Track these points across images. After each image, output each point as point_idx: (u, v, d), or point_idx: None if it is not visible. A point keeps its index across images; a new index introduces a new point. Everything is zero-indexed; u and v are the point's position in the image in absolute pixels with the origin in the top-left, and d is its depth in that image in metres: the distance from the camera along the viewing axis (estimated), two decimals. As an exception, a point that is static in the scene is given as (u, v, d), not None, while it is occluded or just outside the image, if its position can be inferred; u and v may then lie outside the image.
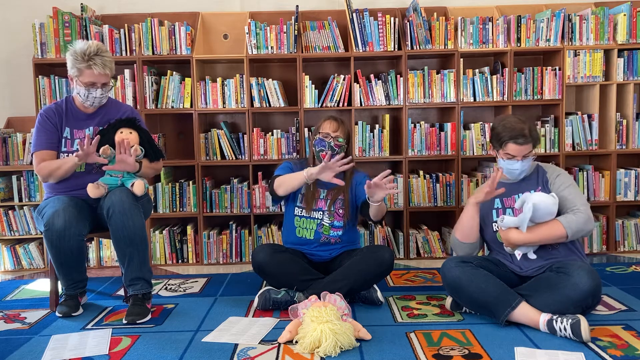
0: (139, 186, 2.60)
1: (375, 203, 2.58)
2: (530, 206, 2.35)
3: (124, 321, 2.49)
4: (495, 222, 2.55)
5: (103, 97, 2.67)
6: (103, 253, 3.64)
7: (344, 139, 2.79)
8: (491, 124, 2.61)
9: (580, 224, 2.38)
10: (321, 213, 2.78)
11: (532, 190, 2.53)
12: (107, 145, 2.59)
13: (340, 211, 2.78)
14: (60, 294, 2.73)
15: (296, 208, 2.81)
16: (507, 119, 2.54)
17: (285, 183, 2.68)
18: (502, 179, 2.62)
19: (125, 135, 2.63)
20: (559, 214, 2.44)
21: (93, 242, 3.58)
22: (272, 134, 3.61)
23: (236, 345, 2.21)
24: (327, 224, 2.77)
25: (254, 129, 3.60)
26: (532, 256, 2.47)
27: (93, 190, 2.57)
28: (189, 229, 3.65)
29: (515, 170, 2.52)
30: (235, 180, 3.64)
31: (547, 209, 2.38)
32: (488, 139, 2.81)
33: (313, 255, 2.80)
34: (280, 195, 2.72)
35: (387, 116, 3.64)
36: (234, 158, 3.62)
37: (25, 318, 2.63)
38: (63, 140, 2.68)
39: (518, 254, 2.49)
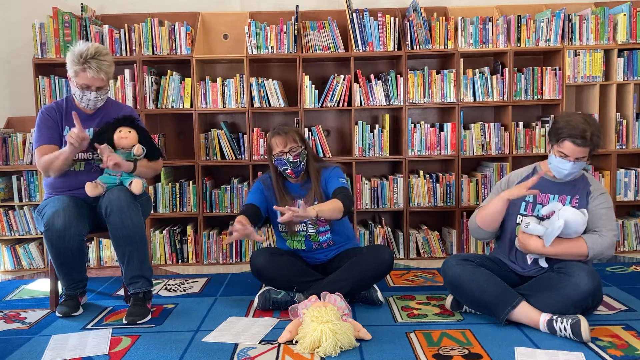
0: (136, 185, 2.60)
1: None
2: (561, 224, 2.27)
3: (124, 321, 2.49)
4: (522, 214, 2.49)
5: (98, 100, 2.65)
6: (103, 253, 3.64)
7: (297, 145, 2.67)
8: (556, 117, 2.49)
9: (604, 248, 2.34)
10: (304, 225, 2.73)
11: (569, 197, 2.46)
12: (105, 144, 2.59)
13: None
14: (60, 294, 2.73)
15: (280, 225, 2.74)
16: (574, 116, 2.40)
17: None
18: (546, 173, 2.54)
19: (124, 134, 2.63)
20: (584, 230, 2.38)
21: (93, 242, 3.59)
22: (272, 134, 3.61)
23: (236, 345, 2.21)
24: (314, 233, 2.73)
25: (254, 129, 3.60)
26: (544, 264, 2.43)
27: (91, 189, 2.57)
28: (189, 229, 3.65)
29: (564, 170, 2.41)
30: (235, 180, 3.64)
31: (576, 227, 2.32)
32: (547, 132, 2.68)
33: (310, 258, 2.79)
34: None
35: (387, 116, 3.64)
36: (234, 158, 3.62)
37: (25, 318, 2.63)
38: (63, 139, 2.68)
39: (530, 257, 2.47)
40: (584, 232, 2.38)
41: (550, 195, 2.48)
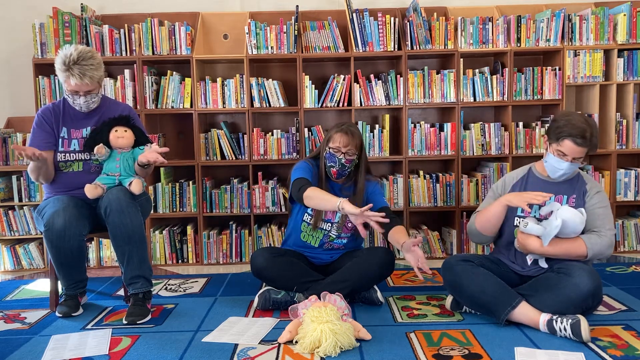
0: (136, 185, 2.60)
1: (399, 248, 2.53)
2: (559, 223, 2.28)
3: (124, 321, 2.49)
4: (519, 216, 2.49)
5: (89, 103, 2.64)
6: (103, 253, 3.64)
7: (355, 152, 2.69)
8: (556, 116, 2.47)
9: (603, 248, 2.35)
10: (329, 225, 2.74)
11: (566, 197, 2.47)
12: (101, 145, 2.59)
13: (350, 224, 2.71)
14: (60, 294, 2.73)
15: (306, 214, 2.75)
16: (574, 115, 2.41)
17: (316, 201, 2.51)
18: (540, 175, 2.56)
19: (120, 134, 2.62)
20: (582, 230, 2.39)
21: (93, 242, 3.59)
22: (272, 134, 3.61)
23: (236, 345, 2.21)
24: (334, 235, 2.75)
25: (254, 129, 3.60)
26: (544, 265, 2.44)
27: (91, 190, 2.57)
28: (189, 229, 3.65)
29: (560, 170, 2.42)
30: (235, 180, 3.63)
31: (574, 227, 2.32)
32: (545, 131, 2.69)
33: (314, 258, 2.79)
34: (306, 206, 2.62)
35: (387, 116, 3.64)
36: (234, 158, 3.62)
37: (25, 318, 2.63)
38: (60, 140, 2.68)
39: (529, 258, 2.47)
40: (583, 232, 2.38)
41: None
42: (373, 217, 2.34)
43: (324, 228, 2.74)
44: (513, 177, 2.63)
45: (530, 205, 2.45)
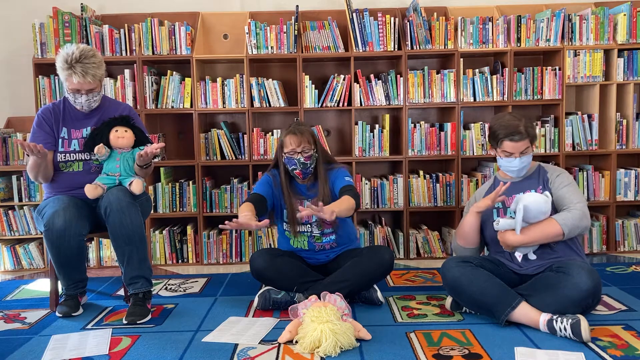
0: (136, 185, 2.60)
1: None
2: (520, 207, 2.35)
3: (124, 321, 2.49)
4: (494, 220, 2.54)
5: (90, 102, 2.64)
6: (103, 253, 3.64)
7: (310, 147, 2.66)
8: (489, 123, 2.61)
9: (575, 220, 2.39)
10: (309, 226, 2.73)
11: (533, 190, 2.53)
12: (101, 144, 2.59)
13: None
14: (60, 294, 2.73)
15: (284, 223, 2.75)
16: (503, 117, 2.56)
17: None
18: (503, 178, 2.63)
19: (121, 134, 2.63)
20: (557, 212, 2.45)
21: (93, 242, 3.59)
22: (272, 134, 3.61)
23: (236, 345, 2.21)
24: (318, 234, 2.74)
25: (254, 129, 3.60)
26: (532, 257, 2.47)
27: (91, 190, 2.57)
28: (189, 229, 3.65)
29: (513, 168, 2.53)
30: (235, 180, 3.64)
31: (539, 209, 2.39)
32: (487, 139, 2.82)
33: (311, 259, 2.79)
34: None
35: (387, 116, 3.64)
36: (234, 158, 3.62)
37: (25, 318, 2.63)
38: (60, 140, 2.68)
39: (518, 255, 2.49)
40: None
41: (515, 195, 2.53)
42: (249, 226, 2.35)
43: (305, 231, 2.73)
44: (482, 191, 2.71)
45: (505, 212, 2.56)
